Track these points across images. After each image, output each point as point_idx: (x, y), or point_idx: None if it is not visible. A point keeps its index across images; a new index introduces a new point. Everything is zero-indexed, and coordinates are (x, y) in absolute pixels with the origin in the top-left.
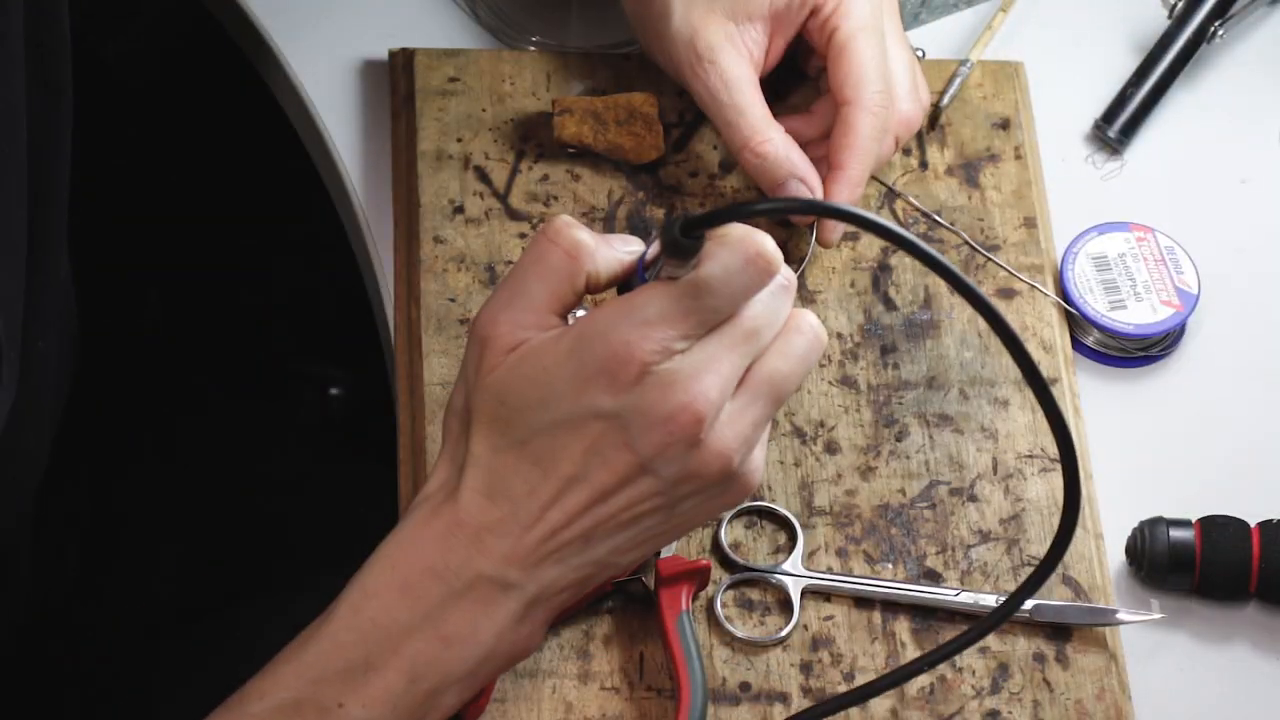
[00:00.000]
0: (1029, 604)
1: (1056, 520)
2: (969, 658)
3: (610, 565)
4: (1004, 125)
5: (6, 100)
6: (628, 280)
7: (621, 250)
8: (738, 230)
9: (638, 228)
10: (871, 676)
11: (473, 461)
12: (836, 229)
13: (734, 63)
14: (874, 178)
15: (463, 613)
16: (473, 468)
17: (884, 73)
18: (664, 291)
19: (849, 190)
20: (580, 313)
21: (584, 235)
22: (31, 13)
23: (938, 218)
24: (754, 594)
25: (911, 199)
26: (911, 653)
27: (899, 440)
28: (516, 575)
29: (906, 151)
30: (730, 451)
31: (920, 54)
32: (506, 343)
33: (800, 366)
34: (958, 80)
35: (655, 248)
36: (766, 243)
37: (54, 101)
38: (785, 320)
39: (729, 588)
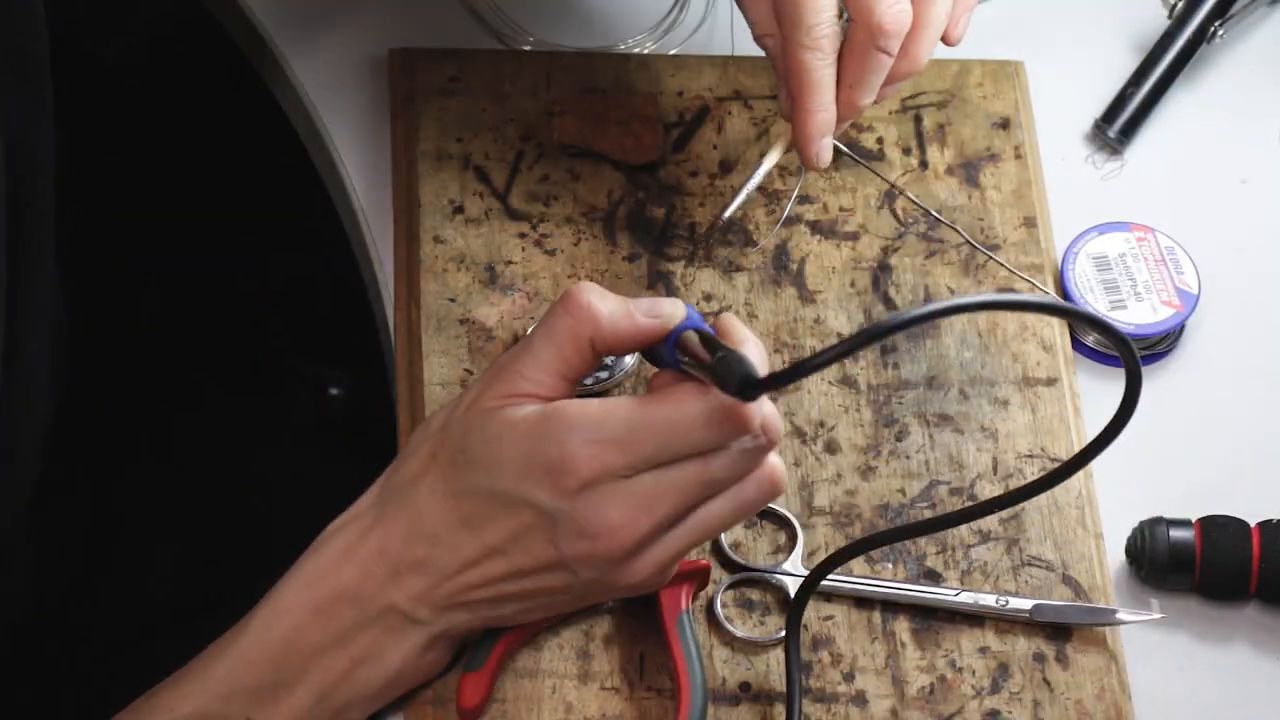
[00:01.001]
0: (1029, 604)
1: (1056, 520)
2: (969, 658)
3: (515, 619)
4: (1004, 125)
5: None
6: (653, 350)
7: (643, 319)
8: (767, 417)
9: (638, 227)
10: (871, 676)
11: (412, 494)
12: (821, 153)
13: None
14: (877, 174)
15: (372, 638)
16: (409, 501)
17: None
18: (631, 415)
19: (811, 120)
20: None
21: (597, 303)
22: (11, 23)
23: (938, 215)
24: (754, 594)
25: (911, 197)
26: (911, 653)
27: (899, 440)
28: (426, 614)
29: (906, 151)
30: (646, 575)
31: None
32: (502, 389)
33: (743, 513)
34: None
35: (696, 342)
36: (754, 413)
37: (36, 112)
38: (751, 471)
39: (729, 588)
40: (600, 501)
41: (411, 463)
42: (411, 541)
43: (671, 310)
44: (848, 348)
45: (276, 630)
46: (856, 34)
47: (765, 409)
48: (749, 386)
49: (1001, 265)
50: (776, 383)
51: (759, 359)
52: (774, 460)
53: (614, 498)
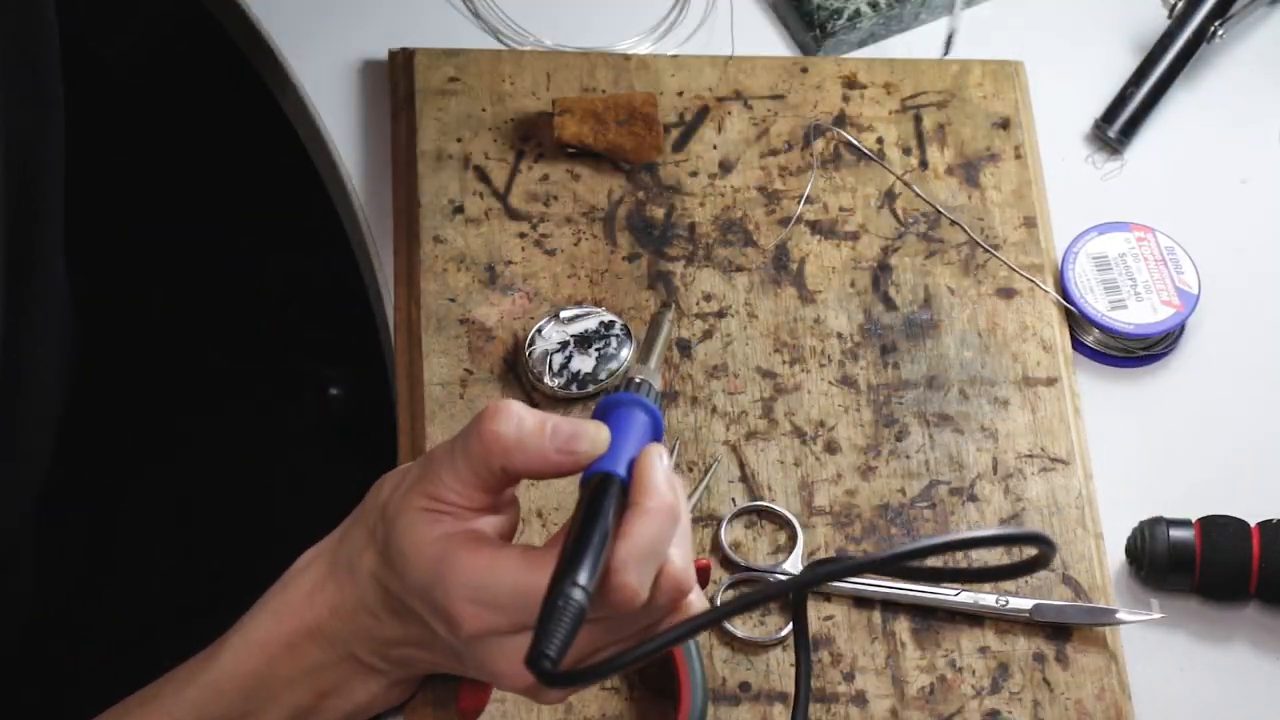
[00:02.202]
0: (1029, 604)
1: (1056, 520)
2: (969, 658)
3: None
4: (1004, 125)
5: None
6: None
7: (554, 455)
8: (617, 554)
9: (638, 227)
10: (871, 676)
11: (357, 568)
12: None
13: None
14: (886, 167)
15: (339, 675)
16: (355, 573)
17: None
18: (515, 580)
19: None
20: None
21: (508, 433)
22: (20, 29)
23: (942, 209)
24: None
25: (915, 190)
26: (911, 653)
27: (899, 440)
28: (384, 665)
29: (907, 151)
30: (535, 692)
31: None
32: (428, 490)
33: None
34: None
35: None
36: (640, 595)
37: (44, 116)
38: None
39: (729, 588)
40: (487, 653)
41: (359, 533)
42: (356, 610)
43: (589, 448)
44: (638, 654)
45: (247, 662)
46: None
47: (677, 570)
48: (533, 660)
49: (1003, 262)
50: (572, 680)
51: (650, 541)
52: (693, 607)
53: (499, 652)
